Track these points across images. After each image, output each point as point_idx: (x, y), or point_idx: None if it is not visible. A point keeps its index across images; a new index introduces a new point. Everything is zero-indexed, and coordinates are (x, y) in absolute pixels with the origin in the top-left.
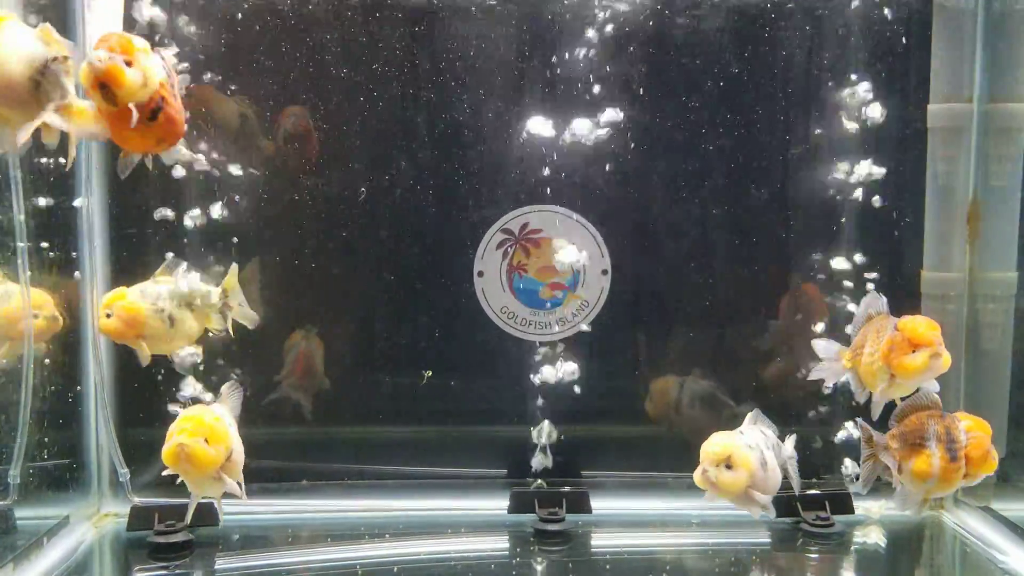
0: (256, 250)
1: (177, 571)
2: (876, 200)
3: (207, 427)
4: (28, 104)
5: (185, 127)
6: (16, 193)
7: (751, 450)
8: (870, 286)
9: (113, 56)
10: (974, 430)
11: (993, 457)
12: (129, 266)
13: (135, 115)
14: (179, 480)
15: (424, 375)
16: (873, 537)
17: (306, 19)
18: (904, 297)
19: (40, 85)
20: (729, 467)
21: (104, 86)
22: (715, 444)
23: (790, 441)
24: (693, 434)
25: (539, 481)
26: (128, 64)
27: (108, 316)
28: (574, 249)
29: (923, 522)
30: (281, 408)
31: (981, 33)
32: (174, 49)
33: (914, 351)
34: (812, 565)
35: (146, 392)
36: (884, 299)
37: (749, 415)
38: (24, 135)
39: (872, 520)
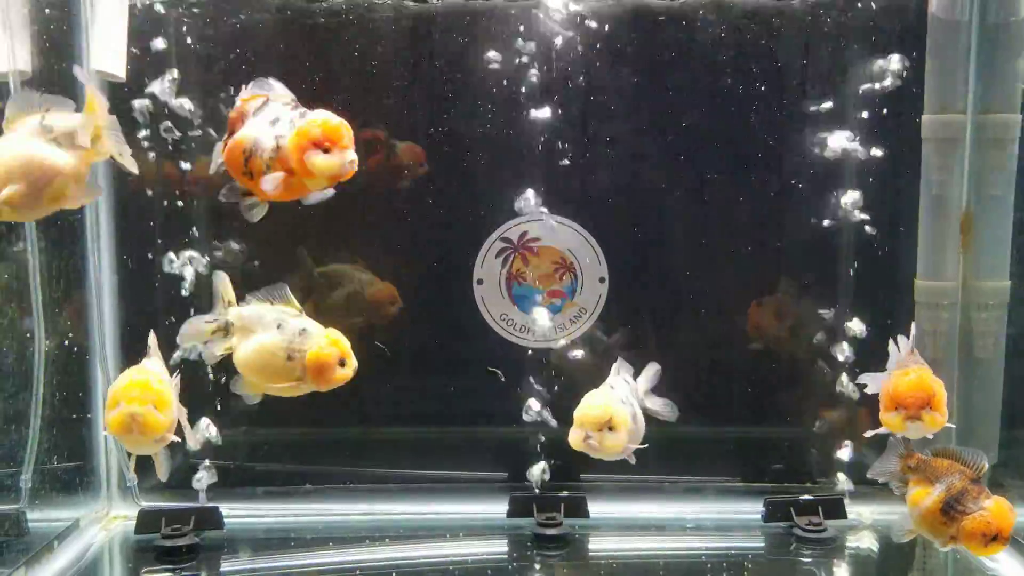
0: (254, 258)
1: (184, 574)
2: (870, 210)
3: (155, 392)
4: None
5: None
6: None
7: (625, 406)
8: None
9: (352, 156)
10: (990, 512)
11: (986, 544)
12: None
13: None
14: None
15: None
16: (865, 542)
17: (305, 25)
18: (898, 306)
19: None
20: (611, 428)
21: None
22: (595, 408)
23: (645, 377)
24: None
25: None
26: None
27: None
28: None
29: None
30: None
31: (975, 44)
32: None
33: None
34: (805, 570)
35: None
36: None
37: (614, 365)
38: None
39: (865, 525)
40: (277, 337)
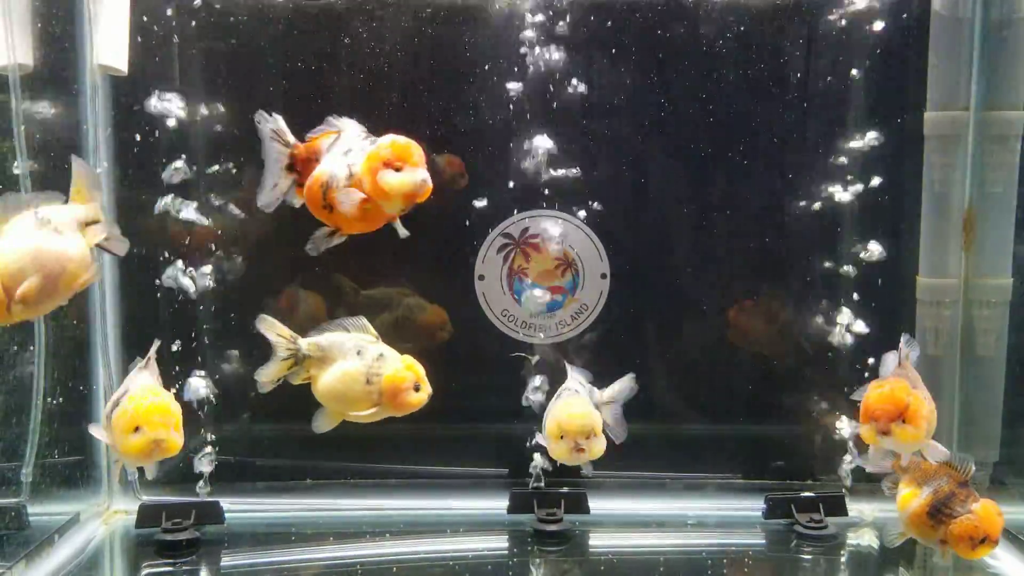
0: (253, 252)
1: (184, 568)
2: (873, 207)
3: (173, 416)
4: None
5: None
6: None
7: (597, 410)
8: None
9: (425, 175)
10: (977, 516)
11: (973, 547)
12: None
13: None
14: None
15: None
16: (866, 539)
17: (305, 22)
18: (900, 303)
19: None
20: (595, 434)
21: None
22: (580, 417)
23: (614, 387)
24: None
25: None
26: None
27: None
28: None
29: None
30: None
31: (978, 41)
32: None
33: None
34: (806, 567)
35: None
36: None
37: (570, 370)
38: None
39: (865, 522)
40: (358, 362)
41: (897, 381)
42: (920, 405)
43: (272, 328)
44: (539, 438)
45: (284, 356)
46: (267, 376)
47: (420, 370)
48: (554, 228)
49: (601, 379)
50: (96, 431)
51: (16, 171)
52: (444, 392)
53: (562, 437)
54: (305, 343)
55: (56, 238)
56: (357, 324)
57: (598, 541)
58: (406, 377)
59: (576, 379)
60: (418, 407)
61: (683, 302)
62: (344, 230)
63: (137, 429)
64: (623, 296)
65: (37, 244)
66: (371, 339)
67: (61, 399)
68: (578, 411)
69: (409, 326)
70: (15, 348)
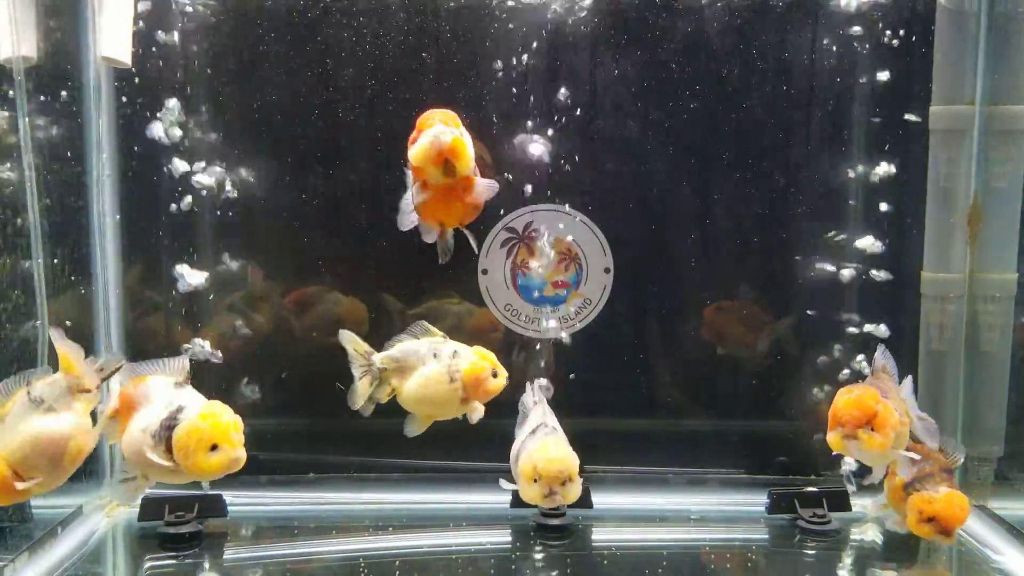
0: (262, 247)
1: (187, 561)
2: (877, 201)
3: (242, 432)
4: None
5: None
6: (31, 197)
7: (570, 447)
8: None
9: (454, 130)
10: (939, 497)
11: (921, 521)
12: (140, 267)
13: (476, 185)
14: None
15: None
16: (870, 534)
17: (309, 20)
18: (904, 298)
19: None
20: (571, 480)
21: (447, 160)
22: (559, 462)
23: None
24: None
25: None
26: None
27: None
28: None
29: None
30: None
31: (984, 35)
32: None
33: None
34: (809, 562)
35: None
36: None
37: (542, 398)
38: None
39: (869, 517)
40: (437, 365)
41: (867, 388)
42: (889, 414)
43: (352, 342)
44: (503, 483)
45: (360, 374)
46: (356, 399)
47: (492, 357)
48: (547, 224)
49: (603, 374)
50: (154, 455)
51: (22, 163)
52: None
53: (536, 480)
54: (379, 358)
55: (52, 420)
56: (423, 329)
57: (601, 536)
58: (484, 367)
59: (550, 412)
60: (499, 392)
61: (686, 296)
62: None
63: (215, 447)
64: (626, 290)
65: (36, 431)
66: (440, 340)
67: None
68: (557, 454)
69: (461, 332)
70: (17, 342)
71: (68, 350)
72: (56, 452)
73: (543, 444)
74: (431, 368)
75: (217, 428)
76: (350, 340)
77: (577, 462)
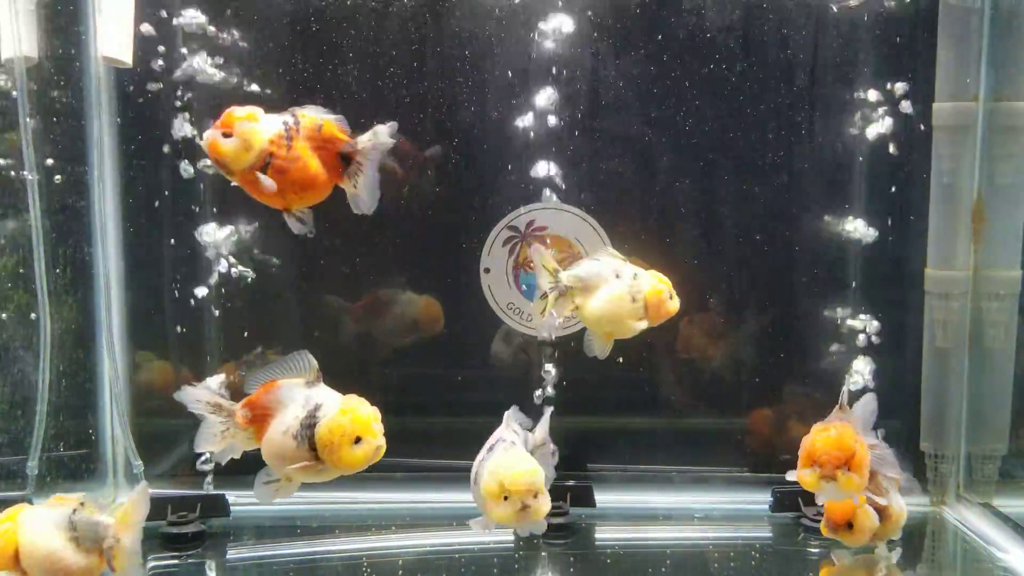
0: (265, 246)
1: (190, 561)
2: (881, 198)
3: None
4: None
5: (316, 175)
6: (33, 196)
7: (536, 463)
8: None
9: (213, 132)
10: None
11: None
12: (142, 263)
13: (261, 178)
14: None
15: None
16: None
17: (313, 16)
18: (908, 295)
19: (77, 540)
20: (541, 492)
21: (215, 160)
22: (528, 475)
23: (542, 426)
24: None
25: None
26: (227, 135)
27: None
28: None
29: (924, 517)
30: None
31: (987, 31)
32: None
33: None
34: (812, 560)
35: (159, 385)
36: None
37: (507, 414)
38: None
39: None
40: (620, 284)
41: (844, 426)
42: (864, 454)
43: (543, 259)
44: (474, 524)
45: (548, 289)
46: (540, 313)
47: (668, 281)
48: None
49: (605, 371)
50: (298, 455)
51: (23, 163)
52: (449, 385)
53: (506, 498)
54: (565, 276)
55: (70, 551)
56: (608, 252)
57: (604, 534)
58: (662, 289)
59: (511, 426)
60: (674, 314)
61: (689, 294)
62: None
63: (358, 440)
64: None
65: (49, 549)
66: (621, 260)
67: (67, 392)
68: (524, 468)
69: (405, 322)
70: (20, 342)
71: (140, 505)
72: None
73: (504, 459)
74: (614, 287)
75: (358, 421)
76: (541, 255)
77: (542, 478)
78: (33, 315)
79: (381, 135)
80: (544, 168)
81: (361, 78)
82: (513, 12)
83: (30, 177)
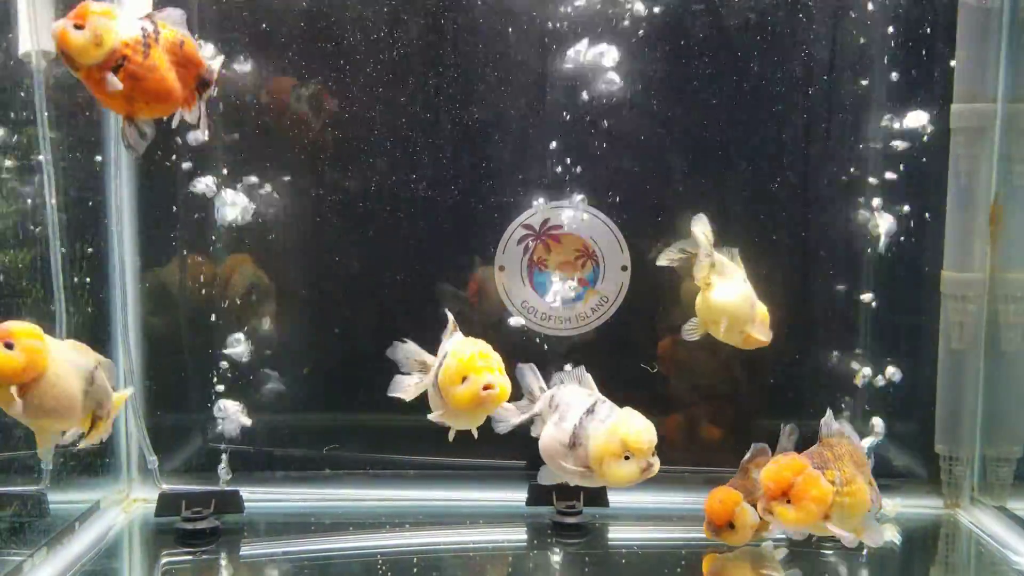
0: (279, 245)
1: (204, 557)
2: (898, 200)
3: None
4: (79, 412)
5: (172, 88)
6: (49, 188)
7: None
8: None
9: (64, 22)
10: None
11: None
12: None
13: (108, 77)
14: None
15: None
16: (888, 535)
17: (326, 11)
18: (924, 298)
19: (88, 394)
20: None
21: (63, 52)
22: (648, 431)
23: None
24: None
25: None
26: (78, 27)
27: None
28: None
29: (938, 520)
30: None
31: (1006, 32)
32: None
33: None
34: (827, 562)
35: (174, 381)
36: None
37: (582, 376)
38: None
39: (887, 518)
40: (750, 288)
41: (792, 459)
42: (810, 486)
43: (704, 229)
44: (543, 477)
45: (704, 259)
46: (702, 273)
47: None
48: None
49: (618, 373)
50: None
51: (39, 158)
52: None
53: (627, 457)
54: (716, 255)
55: (79, 403)
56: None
57: (617, 534)
58: (767, 317)
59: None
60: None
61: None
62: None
63: (464, 379)
64: (643, 288)
65: (72, 396)
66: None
67: None
68: (643, 424)
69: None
70: None
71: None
72: (57, 406)
73: (622, 418)
74: (749, 288)
75: (462, 362)
76: (703, 226)
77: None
78: (50, 309)
79: (218, 63)
80: (561, 166)
81: (375, 74)
82: (528, 5)
83: (47, 162)
